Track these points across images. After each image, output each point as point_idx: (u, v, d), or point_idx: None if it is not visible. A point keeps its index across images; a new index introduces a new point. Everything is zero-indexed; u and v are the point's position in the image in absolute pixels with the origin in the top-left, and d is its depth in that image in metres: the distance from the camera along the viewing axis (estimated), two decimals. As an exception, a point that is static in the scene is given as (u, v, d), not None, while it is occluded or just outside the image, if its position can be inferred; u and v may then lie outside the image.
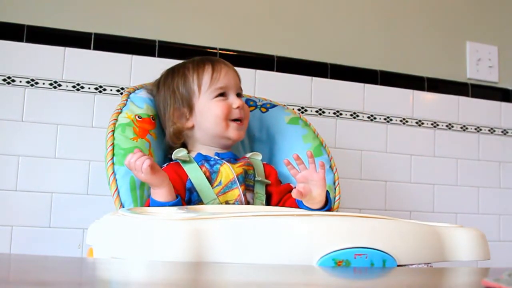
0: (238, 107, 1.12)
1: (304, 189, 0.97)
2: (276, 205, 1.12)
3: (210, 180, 1.06)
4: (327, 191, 1.03)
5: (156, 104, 1.18)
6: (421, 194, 1.68)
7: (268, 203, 1.12)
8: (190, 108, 1.12)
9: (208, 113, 1.11)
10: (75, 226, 1.36)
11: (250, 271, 0.64)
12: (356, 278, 0.65)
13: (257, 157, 1.17)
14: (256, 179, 1.11)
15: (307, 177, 1.00)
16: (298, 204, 1.06)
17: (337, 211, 1.20)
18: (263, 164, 1.17)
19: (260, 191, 1.12)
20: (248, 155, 1.18)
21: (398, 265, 0.75)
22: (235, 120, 1.12)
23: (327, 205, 1.03)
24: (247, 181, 1.10)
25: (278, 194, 1.13)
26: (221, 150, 1.14)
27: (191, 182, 1.05)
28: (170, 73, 1.17)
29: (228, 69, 1.15)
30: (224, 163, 1.09)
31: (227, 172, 1.07)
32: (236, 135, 1.12)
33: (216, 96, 1.12)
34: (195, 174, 1.06)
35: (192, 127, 1.13)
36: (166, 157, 1.16)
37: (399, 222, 0.83)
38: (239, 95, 1.16)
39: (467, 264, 0.83)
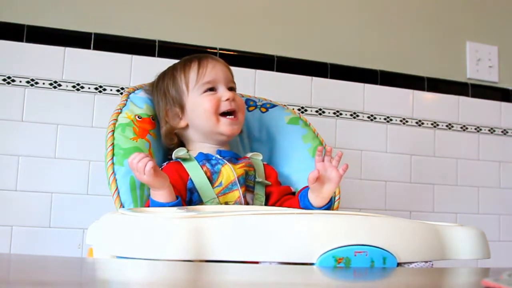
0: (227, 99, 1.10)
1: (320, 176, 1.00)
2: (274, 204, 1.12)
3: (211, 180, 1.06)
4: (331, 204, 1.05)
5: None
6: (421, 194, 1.68)
7: (267, 203, 1.12)
8: (182, 107, 1.12)
9: (198, 109, 1.10)
10: (75, 226, 1.36)
11: (250, 271, 0.64)
12: (356, 279, 0.65)
13: (258, 157, 1.17)
14: (256, 180, 1.11)
15: (326, 168, 1.02)
16: (299, 199, 1.06)
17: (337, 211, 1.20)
18: (264, 164, 1.17)
19: (260, 192, 1.11)
20: (249, 155, 1.17)
21: (398, 263, 0.75)
22: (226, 114, 1.10)
23: (328, 205, 1.04)
24: (247, 182, 1.10)
25: (278, 193, 1.13)
26: (221, 147, 1.14)
27: (191, 182, 1.05)
28: (162, 77, 1.17)
29: (216, 62, 1.13)
30: (226, 163, 1.08)
31: (228, 173, 1.07)
32: (229, 131, 1.10)
33: (205, 91, 1.10)
34: (196, 172, 1.06)
35: (186, 127, 1.13)
36: (166, 157, 1.16)
37: (399, 220, 0.83)
38: (231, 89, 1.13)
39: (467, 263, 0.83)
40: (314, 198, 1.03)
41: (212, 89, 1.11)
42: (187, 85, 1.11)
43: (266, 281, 0.58)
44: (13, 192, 1.34)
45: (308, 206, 1.04)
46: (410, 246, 0.78)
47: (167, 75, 1.15)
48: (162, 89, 1.14)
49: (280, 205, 1.11)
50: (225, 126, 1.10)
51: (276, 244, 0.71)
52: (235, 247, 0.69)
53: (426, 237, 0.81)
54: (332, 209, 1.20)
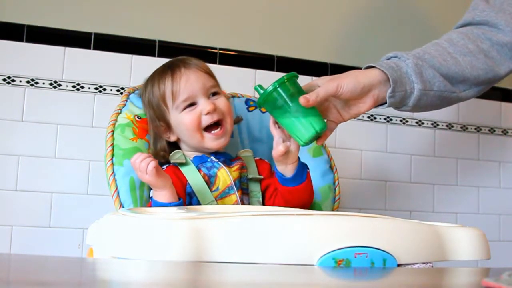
0: (208, 113, 1.05)
1: (285, 147, 1.01)
2: (272, 195, 1.10)
3: (208, 184, 1.05)
4: (303, 163, 1.06)
5: None
6: (421, 194, 1.68)
7: (264, 197, 1.11)
8: (167, 123, 1.10)
9: (181, 127, 1.07)
10: (75, 226, 1.36)
11: (250, 271, 0.64)
12: (356, 278, 0.65)
13: (247, 154, 1.16)
14: (248, 177, 1.11)
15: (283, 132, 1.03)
16: (275, 173, 1.06)
17: (337, 211, 1.20)
18: (255, 160, 1.16)
19: (255, 188, 1.10)
20: (239, 152, 1.16)
21: (398, 265, 0.75)
22: (210, 128, 1.07)
23: (299, 173, 1.04)
24: (242, 184, 1.09)
25: (275, 184, 1.10)
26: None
27: (190, 186, 1.05)
28: (144, 90, 1.14)
29: (189, 74, 1.07)
30: (222, 167, 1.07)
31: (225, 177, 1.06)
32: (215, 145, 1.07)
33: (185, 108, 1.06)
34: (194, 177, 1.06)
35: (178, 140, 1.12)
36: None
37: (400, 221, 0.83)
38: (215, 93, 1.09)
39: (467, 264, 0.83)
40: (284, 166, 1.04)
41: (191, 103, 1.06)
42: (165, 104, 1.08)
43: (266, 281, 0.58)
44: (13, 192, 1.34)
45: (280, 176, 1.05)
46: (410, 248, 0.78)
47: (147, 90, 1.12)
48: (145, 103, 1.13)
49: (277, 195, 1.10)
50: (211, 141, 1.07)
51: (276, 245, 0.71)
52: (235, 249, 0.69)
53: (427, 238, 0.80)
54: (332, 209, 1.20)
